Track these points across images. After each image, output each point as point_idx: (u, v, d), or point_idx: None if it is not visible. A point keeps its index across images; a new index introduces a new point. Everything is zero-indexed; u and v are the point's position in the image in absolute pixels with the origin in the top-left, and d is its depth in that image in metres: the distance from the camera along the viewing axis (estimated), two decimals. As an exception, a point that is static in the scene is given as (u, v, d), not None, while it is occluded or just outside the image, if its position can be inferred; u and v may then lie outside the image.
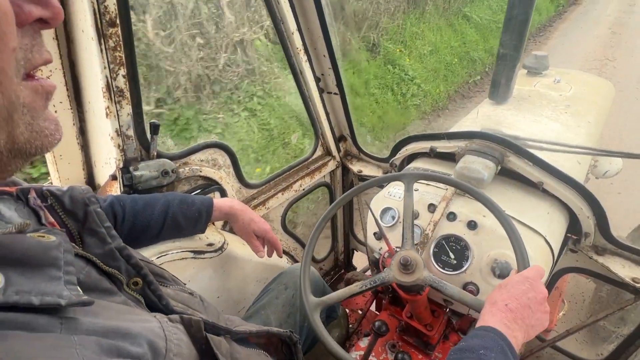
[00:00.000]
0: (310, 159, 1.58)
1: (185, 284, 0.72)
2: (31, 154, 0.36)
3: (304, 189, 1.54)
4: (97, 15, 0.78)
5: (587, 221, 1.10)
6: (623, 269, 1.09)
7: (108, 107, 0.87)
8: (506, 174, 1.18)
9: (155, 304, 0.56)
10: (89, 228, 0.54)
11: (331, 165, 1.63)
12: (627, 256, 1.11)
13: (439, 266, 1.05)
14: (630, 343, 1.22)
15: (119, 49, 0.84)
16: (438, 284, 0.83)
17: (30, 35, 0.35)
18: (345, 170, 1.71)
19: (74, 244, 0.49)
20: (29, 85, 0.35)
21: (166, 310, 0.56)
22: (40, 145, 0.36)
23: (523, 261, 0.79)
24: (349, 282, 1.87)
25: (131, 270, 0.54)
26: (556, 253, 1.07)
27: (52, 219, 0.51)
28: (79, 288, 0.37)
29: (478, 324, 0.67)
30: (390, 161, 1.48)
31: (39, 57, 0.36)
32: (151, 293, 0.55)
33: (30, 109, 0.35)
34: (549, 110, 1.71)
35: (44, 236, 0.39)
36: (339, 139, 1.64)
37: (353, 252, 2.04)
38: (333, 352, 0.85)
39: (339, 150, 1.64)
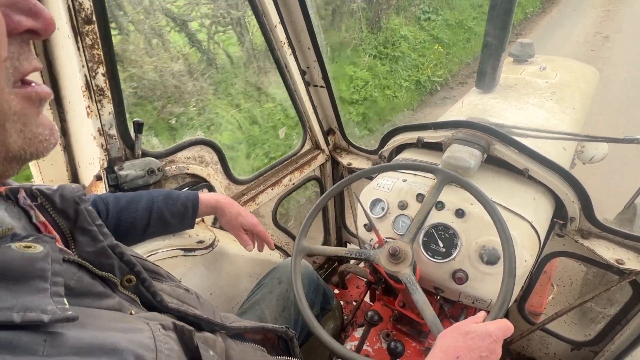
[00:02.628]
0: (299, 153, 1.57)
1: (180, 281, 0.72)
2: (26, 160, 0.36)
3: (293, 184, 1.54)
4: (72, 13, 0.77)
5: (572, 206, 1.12)
6: (607, 251, 1.12)
7: (89, 106, 0.86)
8: (492, 162, 1.19)
9: (150, 301, 0.56)
10: (80, 227, 0.53)
11: (320, 159, 1.62)
12: (611, 239, 1.14)
13: (429, 255, 1.06)
14: (617, 322, 1.25)
15: (96, 46, 0.82)
16: (411, 286, 0.84)
17: (17, 43, 0.34)
18: (335, 164, 1.71)
19: (66, 249, 0.48)
20: (20, 92, 0.35)
21: (161, 307, 0.56)
22: (34, 151, 0.36)
23: (503, 303, 0.77)
24: (342, 275, 1.89)
25: (124, 268, 0.53)
26: (542, 238, 1.08)
27: (43, 218, 0.51)
28: (65, 300, 0.36)
29: None
30: (379, 153, 1.48)
31: (27, 64, 0.35)
32: (145, 290, 0.55)
33: (21, 116, 0.34)
34: (535, 97, 1.72)
35: (30, 246, 0.38)
36: (327, 133, 1.64)
37: (346, 245, 2.05)
38: (311, 326, 0.89)
39: (327, 144, 1.64)
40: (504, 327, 0.71)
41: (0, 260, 0.34)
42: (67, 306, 0.36)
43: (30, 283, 0.35)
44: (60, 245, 0.50)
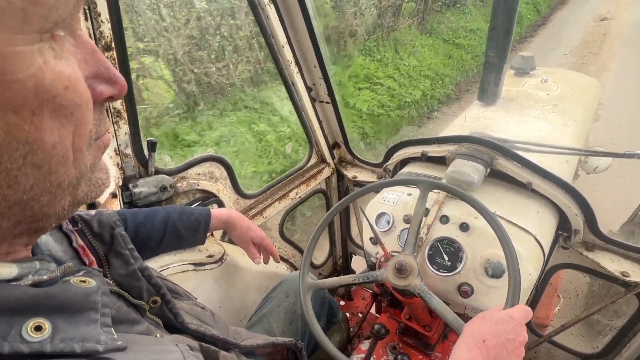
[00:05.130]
0: (305, 167, 1.60)
1: (196, 299, 0.75)
2: (85, 203, 0.39)
3: (300, 197, 1.57)
4: (93, 41, 0.81)
5: (576, 218, 1.14)
6: (612, 264, 1.13)
7: (106, 127, 0.89)
8: (496, 176, 1.21)
9: (172, 322, 0.59)
10: (114, 250, 0.57)
11: (326, 172, 1.65)
12: (616, 251, 1.15)
13: (434, 268, 1.08)
14: (624, 335, 1.25)
15: (115, 71, 0.86)
16: (425, 295, 0.86)
17: (99, 110, 0.37)
18: (340, 177, 1.74)
19: (108, 280, 0.52)
20: (94, 145, 0.37)
21: (181, 327, 0.59)
22: (94, 195, 0.39)
23: (513, 297, 0.78)
24: (348, 286, 1.90)
25: (151, 290, 0.57)
26: (547, 251, 1.10)
27: (81, 242, 0.54)
28: (112, 330, 0.39)
29: (452, 355, 0.67)
30: (384, 166, 1.51)
31: (103, 129, 0.38)
32: (168, 311, 0.58)
33: (92, 167, 0.38)
34: (537, 110, 1.75)
35: (85, 281, 0.41)
36: (332, 146, 1.67)
37: (351, 256, 2.07)
38: (323, 344, 0.90)
39: (333, 157, 1.67)
40: (523, 310, 0.74)
41: (65, 295, 0.37)
42: (115, 336, 0.39)
43: (85, 315, 0.38)
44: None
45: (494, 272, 1.00)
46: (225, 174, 1.26)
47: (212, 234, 1.23)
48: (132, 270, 0.55)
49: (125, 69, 0.88)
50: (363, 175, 1.63)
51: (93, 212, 0.61)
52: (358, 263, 2.12)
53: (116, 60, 0.86)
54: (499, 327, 0.69)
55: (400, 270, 0.90)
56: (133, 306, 0.52)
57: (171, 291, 0.65)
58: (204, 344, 0.51)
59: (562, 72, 2.25)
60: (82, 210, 0.61)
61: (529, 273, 1.00)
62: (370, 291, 1.86)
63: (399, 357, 1.16)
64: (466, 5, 7.68)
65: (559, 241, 1.22)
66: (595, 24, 7.97)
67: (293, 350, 0.90)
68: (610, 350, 1.30)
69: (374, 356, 1.33)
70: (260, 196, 1.43)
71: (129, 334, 0.45)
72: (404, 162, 1.47)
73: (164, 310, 0.58)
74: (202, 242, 1.05)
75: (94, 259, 0.54)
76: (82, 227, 0.58)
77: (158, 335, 0.50)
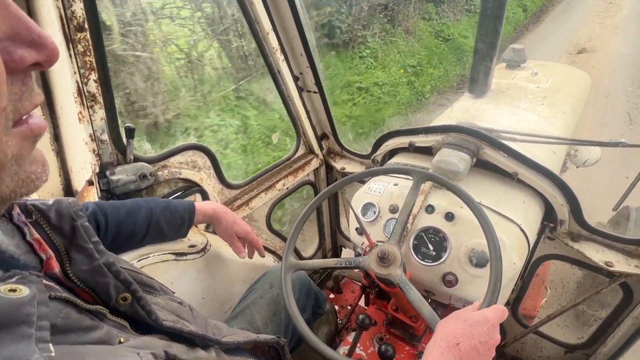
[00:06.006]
0: (293, 158, 1.58)
1: (174, 293, 0.71)
2: (14, 200, 0.33)
3: (287, 188, 1.55)
4: (64, 21, 0.78)
5: (562, 209, 1.13)
6: (597, 254, 1.13)
7: (80, 112, 0.87)
8: (482, 166, 1.20)
9: (144, 319, 0.55)
10: (76, 244, 0.52)
11: (314, 164, 1.63)
12: (600, 241, 1.15)
13: (419, 258, 1.07)
14: (608, 325, 1.25)
15: (88, 53, 0.84)
16: (404, 286, 0.85)
17: (20, 80, 0.30)
18: (329, 168, 1.72)
19: (51, 284, 0.46)
20: (17, 132, 0.31)
21: (155, 325, 0.55)
22: (25, 191, 0.33)
23: (491, 297, 0.78)
24: (337, 279, 1.89)
25: (120, 286, 0.52)
26: (532, 241, 1.09)
27: (37, 235, 0.49)
28: (50, 347, 0.34)
29: (424, 358, 0.66)
30: (372, 157, 1.49)
31: (28, 103, 0.31)
32: (140, 308, 0.54)
33: (17, 158, 0.31)
34: (526, 102, 1.74)
35: (15, 289, 0.36)
36: (321, 137, 1.65)
37: (341, 249, 2.06)
38: (304, 335, 0.88)
39: (321, 148, 1.65)
40: (499, 311, 0.73)
41: None
42: (53, 353, 0.34)
43: (14, 330, 0.33)
44: (54, 269, 0.49)
45: (478, 261, 0.99)
46: (209, 163, 1.23)
47: (195, 225, 1.21)
48: (97, 265, 0.50)
49: (100, 50, 0.85)
50: (352, 167, 1.62)
51: (50, 201, 0.55)
52: (347, 256, 2.11)
53: (89, 42, 0.83)
54: (473, 329, 0.68)
55: (383, 259, 0.89)
56: (87, 312, 0.47)
57: (145, 285, 0.61)
58: (170, 352, 0.47)
59: (553, 65, 2.25)
60: (37, 200, 0.55)
61: (513, 262, 1.00)
62: (359, 284, 1.85)
63: (383, 347, 1.16)
64: (365, 44, 4.32)
65: (545, 232, 1.22)
66: (569, 59, 5.68)
67: (275, 346, 0.88)
68: (595, 341, 1.31)
69: (361, 347, 1.32)
70: (246, 187, 1.41)
71: (79, 347, 0.40)
72: (392, 153, 1.46)
73: (135, 308, 0.53)
74: (185, 236, 1.03)
75: (52, 253, 0.49)
76: (37, 219, 0.52)
77: (122, 340, 0.46)
